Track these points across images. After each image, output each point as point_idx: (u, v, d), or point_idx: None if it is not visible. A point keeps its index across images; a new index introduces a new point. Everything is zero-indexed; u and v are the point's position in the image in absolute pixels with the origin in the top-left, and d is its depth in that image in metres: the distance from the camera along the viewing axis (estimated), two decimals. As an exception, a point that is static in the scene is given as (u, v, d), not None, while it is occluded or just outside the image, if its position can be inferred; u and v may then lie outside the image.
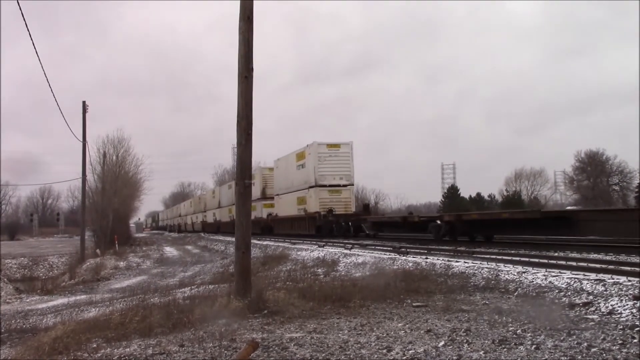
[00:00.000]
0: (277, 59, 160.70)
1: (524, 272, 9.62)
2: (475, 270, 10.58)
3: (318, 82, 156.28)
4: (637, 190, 57.51)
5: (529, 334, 5.88)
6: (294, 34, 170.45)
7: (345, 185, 27.68)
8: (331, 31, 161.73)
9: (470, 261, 12.03)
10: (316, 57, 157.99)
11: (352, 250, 17.54)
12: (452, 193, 74.17)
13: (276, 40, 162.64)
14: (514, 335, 5.87)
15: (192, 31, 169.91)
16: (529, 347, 5.40)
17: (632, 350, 5.13)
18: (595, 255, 11.68)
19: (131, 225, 72.07)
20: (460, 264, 11.51)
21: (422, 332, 6.29)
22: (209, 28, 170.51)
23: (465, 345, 5.61)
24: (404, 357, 5.33)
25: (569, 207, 44.18)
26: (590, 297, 7.49)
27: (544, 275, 9.14)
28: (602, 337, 5.59)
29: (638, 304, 6.73)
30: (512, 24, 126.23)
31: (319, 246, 20.64)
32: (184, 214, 79.85)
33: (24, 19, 19.81)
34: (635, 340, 5.42)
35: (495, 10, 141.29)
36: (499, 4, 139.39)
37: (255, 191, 34.97)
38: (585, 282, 8.22)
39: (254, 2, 9.04)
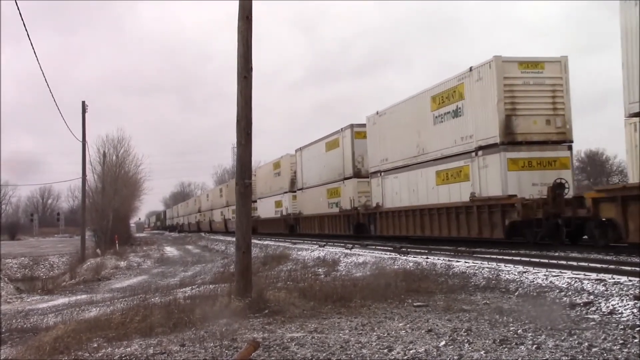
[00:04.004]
0: (286, 58, 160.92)
1: (525, 272, 9.62)
2: (476, 270, 10.58)
3: (328, 81, 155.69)
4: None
5: (530, 334, 5.88)
6: (305, 33, 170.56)
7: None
8: (343, 29, 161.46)
9: (470, 261, 12.03)
10: (327, 55, 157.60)
11: (353, 250, 17.54)
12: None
13: (286, 39, 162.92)
14: (515, 335, 5.87)
15: (197, 31, 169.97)
16: (530, 346, 5.40)
17: (632, 350, 5.13)
18: (595, 255, 11.66)
19: (132, 225, 72.05)
20: (460, 264, 11.51)
21: (423, 331, 6.29)
22: (214, 28, 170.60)
23: (466, 344, 5.61)
24: (405, 357, 5.33)
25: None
26: (591, 296, 7.49)
27: (545, 275, 9.14)
28: (603, 337, 5.58)
29: (639, 304, 6.72)
30: (527, 22, 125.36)
31: (320, 246, 20.65)
32: (207, 208, 58.17)
33: (22, 19, 19.81)
34: (636, 340, 5.41)
35: (510, 8, 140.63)
36: (514, 2, 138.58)
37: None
38: (586, 281, 8.21)
39: (254, 2, 9.04)
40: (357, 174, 23.74)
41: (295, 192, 31.62)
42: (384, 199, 20.92)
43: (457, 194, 16.40)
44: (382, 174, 21.04)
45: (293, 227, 32.33)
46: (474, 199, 15.54)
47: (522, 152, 14.90)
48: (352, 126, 24.09)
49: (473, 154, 15.70)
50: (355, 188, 23.65)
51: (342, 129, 24.95)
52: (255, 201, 38.74)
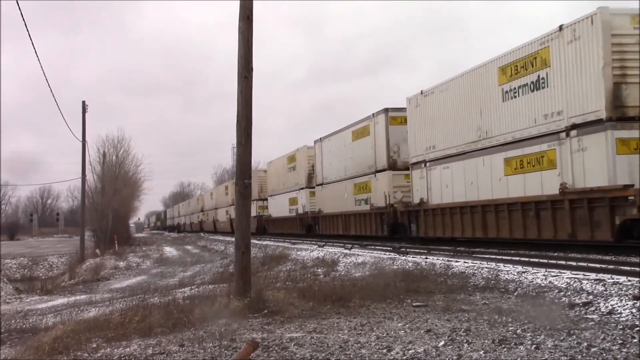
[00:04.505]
0: (287, 58, 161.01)
1: (524, 272, 9.62)
2: (475, 270, 10.58)
3: (330, 81, 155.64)
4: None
5: (529, 334, 5.88)
6: (306, 33, 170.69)
7: None
8: (345, 29, 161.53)
9: (470, 261, 12.04)
10: (329, 55, 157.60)
11: (352, 250, 17.56)
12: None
13: (287, 39, 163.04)
14: (514, 335, 5.88)
15: (198, 31, 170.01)
16: (529, 346, 5.40)
17: (632, 350, 5.13)
18: (595, 255, 11.67)
19: (131, 225, 72.04)
20: (460, 264, 11.52)
21: (422, 331, 6.29)
22: (215, 28, 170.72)
23: (465, 345, 5.61)
24: (404, 357, 5.33)
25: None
26: (590, 297, 7.49)
27: (544, 275, 9.14)
28: (602, 337, 5.59)
29: (638, 304, 6.73)
30: (528, 22, 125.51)
31: (319, 246, 20.67)
32: (210, 207, 55.30)
33: (23, 19, 19.82)
34: (635, 340, 5.42)
35: (512, 8, 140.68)
36: (516, 2, 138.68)
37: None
38: (585, 282, 8.22)
39: (255, 2, 9.06)
40: (392, 166, 20.50)
41: (313, 188, 28.85)
42: (430, 194, 17.70)
43: (537, 185, 13.24)
44: (428, 164, 17.87)
45: (311, 226, 29.69)
46: (565, 191, 12.33)
47: (634, 130, 11.40)
48: (386, 110, 20.74)
49: (562, 134, 12.48)
50: (390, 182, 20.35)
51: (373, 114, 21.60)
52: (266, 199, 37.15)
